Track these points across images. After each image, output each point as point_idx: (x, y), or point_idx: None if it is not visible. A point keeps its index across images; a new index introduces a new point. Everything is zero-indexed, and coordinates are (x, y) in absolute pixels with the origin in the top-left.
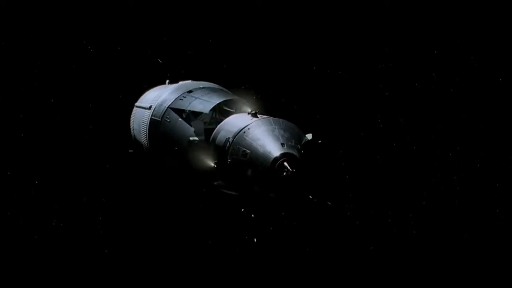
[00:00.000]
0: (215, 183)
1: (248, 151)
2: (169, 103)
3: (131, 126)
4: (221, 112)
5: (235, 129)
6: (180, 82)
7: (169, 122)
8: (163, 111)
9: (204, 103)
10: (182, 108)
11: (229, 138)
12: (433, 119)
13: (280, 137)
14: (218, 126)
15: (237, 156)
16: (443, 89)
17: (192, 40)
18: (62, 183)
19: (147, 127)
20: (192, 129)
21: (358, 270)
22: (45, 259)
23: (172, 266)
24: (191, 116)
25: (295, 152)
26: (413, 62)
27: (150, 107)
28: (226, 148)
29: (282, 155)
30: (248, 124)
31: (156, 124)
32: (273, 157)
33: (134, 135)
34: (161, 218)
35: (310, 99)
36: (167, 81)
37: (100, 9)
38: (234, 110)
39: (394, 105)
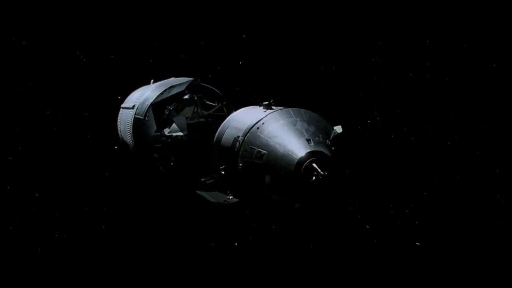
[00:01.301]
0: (202, 179)
1: (265, 151)
2: (151, 101)
3: (118, 128)
4: (203, 106)
5: (246, 125)
6: (163, 80)
7: (147, 120)
8: (146, 109)
9: (181, 87)
10: (163, 101)
11: (238, 137)
12: (433, 119)
13: (304, 131)
14: (223, 123)
15: (251, 158)
16: (443, 89)
17: (183, 44)
18: (62, 194)
19: (131, 126)
20: (154, 127)
21: (362, 267)
22: (51, 272)
23: (177, 270)
24: (173, 112)
25: (325, 150)
26: (413, 62)
27: (133, 107)
28: (236, 149)
29: (309, 154)
30: (262, 118)
31: (140, 123)
32: (298, 157)
33: (122, 136)
34: (161, 222)
35: (305, 96)
36: (152, 80)
37: (92, 19)
38: (216, 104)
39: (394, 105)
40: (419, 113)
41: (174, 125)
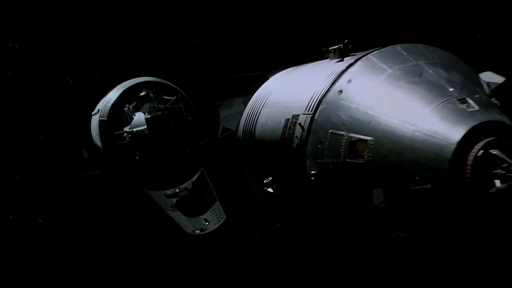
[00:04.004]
0: (176, 190)
1: (368, 137)
2: (112, 101)
3: (92, 135)
4: (160, 100)
5: (308, 94)
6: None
7: (105, 119)
8: (108, 111)
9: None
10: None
11: (296, 116)
12: None
13: (444, 84)
14: (249, 104)
15: (336, 157)
16: None
17: (171, 51)
18: (64, 217)
19: (98, 129)
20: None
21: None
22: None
23: (183, 271)
24: (133, 110)
25: (503, 118)
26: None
27: (98, 111)
28: (296, 142)
29: (477, 130)
30: (343, 72)
31: (105, 124)
32: (455, 141)
33: (95, 142)
34: (160, 223)
35: None
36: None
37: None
38: (173, 97)
39: None
40: None
41: (133, 121)
